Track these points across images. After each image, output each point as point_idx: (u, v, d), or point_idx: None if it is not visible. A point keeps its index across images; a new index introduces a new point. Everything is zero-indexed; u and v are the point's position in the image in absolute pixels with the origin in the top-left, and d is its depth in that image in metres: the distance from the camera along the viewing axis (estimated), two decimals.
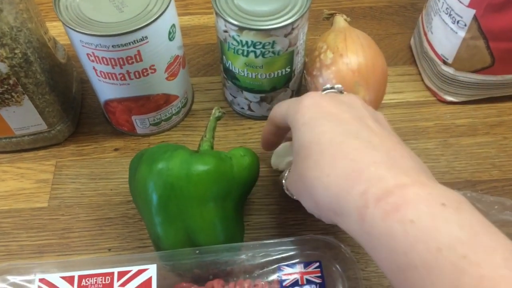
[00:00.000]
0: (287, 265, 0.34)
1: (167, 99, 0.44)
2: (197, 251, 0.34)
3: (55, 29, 0.54)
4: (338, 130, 0.28)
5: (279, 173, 0.44)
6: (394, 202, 0.24)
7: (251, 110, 0.47)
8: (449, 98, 0.48)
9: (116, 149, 0.46)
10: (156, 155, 0.35)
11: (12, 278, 0.33)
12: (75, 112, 0.47)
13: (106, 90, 0.42)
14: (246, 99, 0.46)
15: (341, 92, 0.34)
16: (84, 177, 0.45)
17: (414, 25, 0.54)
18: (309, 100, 0.30)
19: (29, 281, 0.33)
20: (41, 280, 0.32)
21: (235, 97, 0.47)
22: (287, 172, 0.38)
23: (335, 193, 0.26)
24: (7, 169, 0.45)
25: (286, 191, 0.37)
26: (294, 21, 0.38)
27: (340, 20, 0.45)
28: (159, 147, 0.36)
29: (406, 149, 0.28)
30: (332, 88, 0.33)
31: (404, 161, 0.26)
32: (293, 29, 0.39)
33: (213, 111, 0.39)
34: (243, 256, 0.34)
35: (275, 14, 0.39)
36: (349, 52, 0.41)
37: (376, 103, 0.43)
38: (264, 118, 0.48)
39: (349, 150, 0.26)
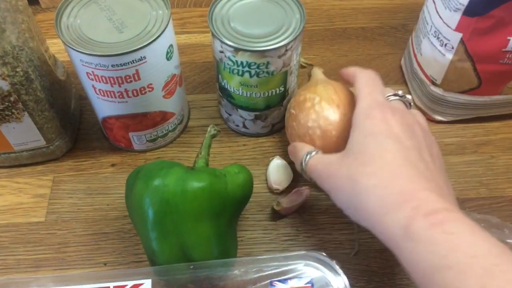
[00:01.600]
0: (279, 281, 0.35)
1: (164, 116, 0.45)
2: (192, 266, 0.35)
3: (55, 46, 0.55)
4: (401, 154, 0.32)
5: (269, 190, 0.45)
6: (440, 219, 0.28)
7: (246, 128, 0.48)
8: (438, 118, 0.49)
9: (113, 165, 0.47)
10: (153, 171, 0.36)
11: None
12: (73, 128, 0.48)
13: (105, 107, 0.43)
14: (241, 116, 0.47)
15: (409, 104, 0.38)
16: (81, 192, 0.45)
17: (405, 46, 0.56)
18: (380, 113, 0.34)
19: None
20: None
21: (230, 115, 0.48)
22: (309, 157, 0.38)
23: (387, 203, 0.30)
24: (5, 184, 0.46)
25: (303, 174, 0.39)
26: (288, 43, 0.40)
27: (319, 73, 0.45)
28: (155, 164, 0.37)
29: (449, 184, 0.34)
30: (403, 96, 0.38)
31: (449, 193, 0.33)
32: (286, 50, 0.40)
33: (209, 129, 0.40)
34: (236, 272, 0.35)
35: (269, 36, 0.40)
36: (345, 103, 0.40)
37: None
38: (259, 135, 0.49)
39: (408, 174, 0.31)
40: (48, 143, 0.45)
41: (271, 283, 0.35)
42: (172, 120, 0.47)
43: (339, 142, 0.40)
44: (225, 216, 0.37)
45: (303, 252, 0.35)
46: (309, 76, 0.46)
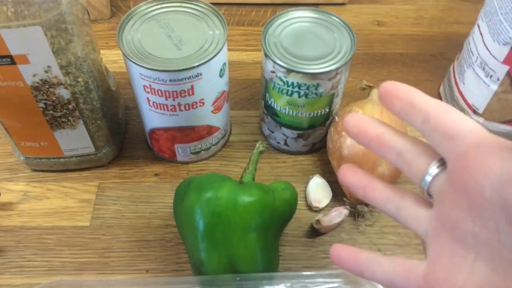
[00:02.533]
0: None
1: (210, 130, 0.47)
2: (238, 278, 0.36)
3: (103, 56, 0.57)
4: None
5: (308, 207, 0.46)
6: None
7: (287, 145, 0.49)
8: None
9: (156, 174, 0.49)
10: (205, 184, 0.37)
11: None
12: (119, 137, 0.50)
13: (155, 119, 0.44)
14: (284, 134, 0.48)
15: None
16: (125, 199, 0.47)
17: (443, 73, 0.57)
18: None
19: None
20: None
21: (272, 132, 0.49)
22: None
23: None
24: (52, 188, 0.47)
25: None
26: (339, 66, 0.41)
27: (375, 94, 0.47)
28: (206, 177, 0.38)
29: None
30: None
31: None
32: (337, 73, 0.42)
33: (257, 145, 0.41)
34: (282, 286, 0.36)
35: (321, 59, 0.41)
36: None
37: (393, 179, 0.44)
38: (298, 153, 0.50)
39: None
40: (97, 150, 0.47)
41: None
42: (216, 134, 0.48)
43: (364, 157, 0.42)
44: (272, 230, 0.38)
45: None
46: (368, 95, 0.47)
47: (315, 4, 0.64)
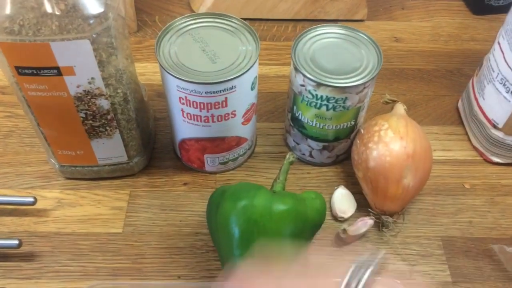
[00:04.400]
0: None
1: (238, 141, 0.48)
2: None
3: None
4: None
5: (333, 217, 0.47)
6: None
7: (312, 157, 0.51)
8: (496, 159, 0.51)
9: (185, 184, 0.50)
10: (240, 192, 0.39)
11: None
12: (150, 147, 0.51)
13: (187, 130, 0.46)
14: (309, 146, 0.50)
15: None
16: (155, 207, 0.48)
17: (461, 88, 0.58)
18: None
19: None
20: None
21: (298, 144, 0.51)
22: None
23: None
24: (85, 195, 0.49)
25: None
26: (367, 81, 0.43)
27: (401, 108, 0.48)
28: (241, 186, 0.40)
29: None
30: None
31: None
32: (364, 88, 0.43)
33: (287, 156, 0.43)
34: None
35: (349, 73, 0.43)
36: (409, 138, 0.44)
37: (417, 191, 0.46)
38: (322, 164, 0.52)
39: None
40: (129, 159, 0.48)
41: None
42: (244, 145, 0.50)
43: (390, 169, 0.44)
44: (303, 238, 0.39)
45: (379, 278, 0.37)
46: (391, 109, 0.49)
47: (335, 20, 0.66)
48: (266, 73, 0.61)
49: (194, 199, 0.49)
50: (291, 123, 0.49)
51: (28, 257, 0.44)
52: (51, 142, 0.45)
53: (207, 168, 0.50)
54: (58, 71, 0.38)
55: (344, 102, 0.44)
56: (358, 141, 0.47)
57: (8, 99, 0.56)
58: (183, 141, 0.48)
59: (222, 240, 0.39)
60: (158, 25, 0.66)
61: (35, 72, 0.38)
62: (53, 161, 0.48)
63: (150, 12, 0.68)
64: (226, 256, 0.39)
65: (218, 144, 0.47)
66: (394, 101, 0.50)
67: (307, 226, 0.39)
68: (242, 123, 0.47)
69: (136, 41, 0.64)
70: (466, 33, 0.67)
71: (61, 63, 0.37)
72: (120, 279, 0.43)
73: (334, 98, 0.43)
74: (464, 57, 0.64)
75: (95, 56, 0.38)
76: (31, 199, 0.45)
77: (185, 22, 0.45)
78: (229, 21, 0.45)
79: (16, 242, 0.42)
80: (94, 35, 0.36)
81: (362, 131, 0.47)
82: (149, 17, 0.67)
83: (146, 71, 0.60)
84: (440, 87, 0.60)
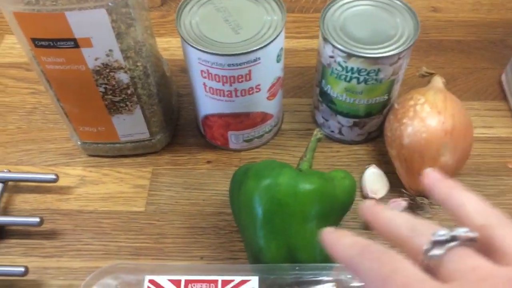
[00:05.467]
0: None
1: (264, 117, 0.46)
2: (297, 268, 0.35)
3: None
4: None
5: (364, 198, 0.45)
6: None
7: (341, 134, 0.48)
8: None
9: (208, 162, 0.48)
10: (264, 171, 0.37)
11: (123, 277, 0.35)
12: (173, 124, 0.50)
13: (210, 105, 0.44)
14: (339, 123, 0.47)
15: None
16: (178, 186, 0.47)
17: (504, 61, 0.54)
18: None
19: (139, 281, 0.34)
20: (150, 281, 0.34)
21: (327, 120, 0.48)
22: None
23: None
24: (108, 173, 0.48)
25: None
26: (402, 51, 0.39)
27: (439, 81, 0.45)
28: (265, 164, 0.38)
29: None
30: (472, 240, 0.22)
31: None
32: (399, 58, 0.40)
33: (314, 132, 0.40)
34: (342, 277, 0.35)
35: (383, 43, 0.40)
36: (447, 113, 0.41)
37: (456, 170, 0.42)
38: (353, 142, 0.49)
39: None
40: (151, 136, 0.47)
41: None
42: (269, 122, 0.47)
43: (426, 146, 0.40)
44: (331, 220, 0.37)
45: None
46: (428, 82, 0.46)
47: None
48: (294, 47, 0.58)
49: (217, 177, 0.47)
50: (320, 98, 0.47)
51: (50, 235, 0.43)
52: (72, 119, 0.44)
53: (231, 145, 0.48)
54: (75, 43, 0.36)
55: (376, 75, 0.41)
56: (391, 117, 0.44)
57: (32, 76, 0.55)
58: (206, 117, 0.46)
59: (246, 220, 0.37)
60: None
61: (52, 44, 0.36)
62: (75, 138, 0.47)
63: None
64: (250, 237, 0.37)
65: (242, 120, 0.45)
66: (432, 74, 0.46)
67: (335, 208, 0.37)
68: (267, 98, 0.44)
69: (160, 15, 0.62)
70: (510, 1, 0.62)
71: (77, 34, 0.36)
72: (141, 259, 0.42)
73: (365, 70, 0.40)
74: (508, 27, 0.59)
75: (113, 28, 0.36)
76: (53, 176, 0.44)
77: None
78: None
79: (37, 220, 0.41)
80: (110, 4, 0.34)
81: (396, 106, 0.44)
82: None
83: (170, 46, 0.59)
84: (481, 59, 0.56)
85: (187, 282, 0.34)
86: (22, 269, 0.38)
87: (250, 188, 0.36)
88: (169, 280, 0.34)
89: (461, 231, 0.22)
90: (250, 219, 0.36)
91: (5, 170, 0.46)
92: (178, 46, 0.59)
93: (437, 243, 0.21)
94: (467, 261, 0.21)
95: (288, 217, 0.35)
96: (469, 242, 0.22)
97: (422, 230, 0.23)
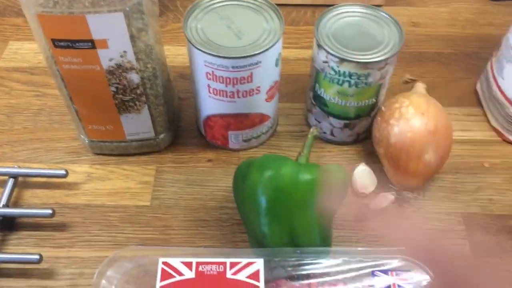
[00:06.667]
0: (380, 271, 0.38)
1: (262, 118, 0.49)
2: (298, 251, 0.38)
3: None
4: None
5: (355, 194, 0.48)
6: None
7: (333, 135, 0.52)
8: None
9: (209, 160, 0.51)
10: (267, 163, 0.40)
11: (138, 259, 0.37)
12: (175, 125, 0.53)
13: (212, 106, 0.47)
14: (331, 124, 0.51)
15: None
16: (181, 182, 0.49)
17: (478, 72, 0.59)
18: None
19: (153, 263, 0.37)
20: (164, 263, 0.37)
21: (319, 122, 0.52)
22: None
23: None
24: (114, 170, 0.50)
25: None
26: (390, 57, 0.44)
27: (421, 87, 0.50)
28: (267, 157, 0.41)
29: None
30: None
31: None
32: (386, 64, 0.44)
33: (311, 130, 0.44)
34: (339, 260, 0.38)
35: (372, 50, 0.44)
36: (430, 114, 0.45)
37: (438, 167, 0.47)
38: (343, 143, 0.53)
39: None
40: (156, 136, 0.50)
41: (372, 273, 0.38)
42: (267, 123, 0.51)
43: (411, 145, 0.44)
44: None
45: (402, 248, 0.38)
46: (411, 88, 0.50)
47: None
48: (286, 56, 0.62)
49: (218, 175, 0.50)
50: (313, 102, 0.51)
51: (61, 227, 0.45)
52: (82, 117, 0.46)
53: (231, 145, 0.52)
54: (92, 44, 0.39)
55: (366, 78, 0.45)
56: (379, 118, 0.48)
57: (37, 79, 0.58)
58: (208, 117, 0.49)
59: (249, 210, 0.40)
60: (179, 10, 0.68)
61: (71, 44, 0.39)
62: (82, 137, 0.49)
63: None
64: (254, 226, 0.40)
65: (242, 120, 0.48)
66: (414, 81, 0.51)
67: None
68: (266, 100, 0.48)
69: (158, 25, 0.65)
70: (483, 18, 0.68)
71: (95, 36, 0.39)
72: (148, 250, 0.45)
73: (356, 74, 0.44)
74: (481, 41, 0.64)
75: (128, 31, 0.39)
76: (63, 172, 0.46)
77: (211, 0, 0.46)
78: None
79: (50, 211, 0.43)
80: (127, 8, 0.38)
81: (383, 108, 0.48)
82: (171, 2, 0.69)
83: (169, 54, 0.62)
84: (458, 70, 0.61)
85: (198, 264, 0.37)
86: (37, 256, 0.40)
87: (254, 179, 0.39)
88: (182, 262, 0.37)
89: None
90: (255, 208, 0.39)
91: (15, 166, 0.48)
92: (176, 53, 0.62)
93: None
94: None
95: (290, 205, 0.38)
96: None
97: None
